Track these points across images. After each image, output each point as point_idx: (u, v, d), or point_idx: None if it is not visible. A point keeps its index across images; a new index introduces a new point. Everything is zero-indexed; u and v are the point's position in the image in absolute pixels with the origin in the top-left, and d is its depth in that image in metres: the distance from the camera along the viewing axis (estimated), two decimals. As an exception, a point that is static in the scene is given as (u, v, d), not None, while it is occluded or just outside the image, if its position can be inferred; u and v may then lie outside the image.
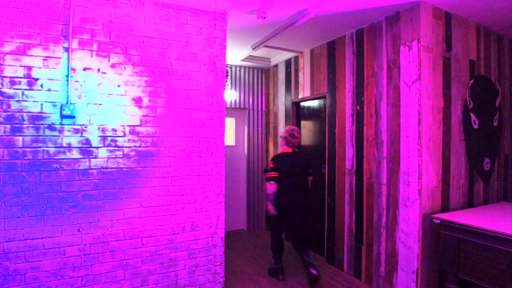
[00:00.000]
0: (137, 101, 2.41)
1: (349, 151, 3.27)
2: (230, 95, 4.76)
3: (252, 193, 4.89)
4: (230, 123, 4.83)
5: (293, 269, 3.43)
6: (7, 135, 2.02)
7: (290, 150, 3.23)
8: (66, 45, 2.17)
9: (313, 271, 2.93)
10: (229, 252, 3.87)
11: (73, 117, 2.20)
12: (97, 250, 2.27)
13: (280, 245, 3.27)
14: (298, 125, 4.33)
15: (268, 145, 4.96)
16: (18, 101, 2.05)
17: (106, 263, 2.29)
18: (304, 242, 3.16)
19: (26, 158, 2.07)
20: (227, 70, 4.68)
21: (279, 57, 4.47)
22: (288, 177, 3.09)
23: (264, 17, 2.84)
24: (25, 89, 2.07)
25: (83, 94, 2.23)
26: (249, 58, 4.40)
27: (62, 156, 2.17)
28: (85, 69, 2.24)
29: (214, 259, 2.68)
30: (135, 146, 2.40)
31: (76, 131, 2.21)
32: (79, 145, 2.22)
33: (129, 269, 2.37)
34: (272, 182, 3.07)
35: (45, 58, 2.12)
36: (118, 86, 2.34)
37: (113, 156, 2.32)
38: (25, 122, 2.07)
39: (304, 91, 4.04)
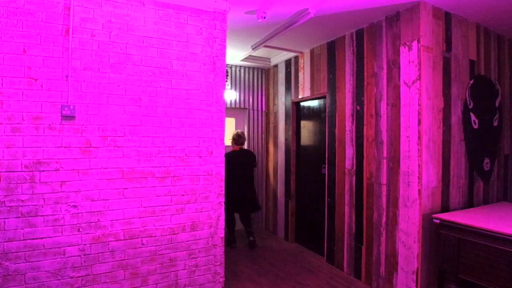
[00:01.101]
0: (137, 101, 2.41)
1: (349, 151, 3.27)
2: (230, 95, 4.76)
3: (252, 193, 4.88)
4: (230, 123, 4.83)
5: (291, 263, 3.45)
6: (7, 135, 2.02)
7: (237, 148, 4.13)
8: (66, 45, 2.17)
9: (251, 238, 4.05)
10: (229, 252, 3.87)
11: (73, 117, 2.20)
12: (97, 250, 2.27)
13: (232, 220, 4.19)
14: (298, 125, 4.33)
15: (268, 145, 4.96)
16: (18, 101, 2.05)
17: (106, 263, 2.29)
18: (246, 216, 4.16)
19: (26, 158, 2.07)
20: (227, 70, 4.69)
21: (279, 57, 4.47)
22: (238, 169, 3.99)
23: (264, 17, 2.84)
24: (25, 89, 2.07)
25: (83, 94, 2.24)
26: (249, 58, 4.40)
27: (62, 156, 2.17)
28: (85, 69, 2.24)
29: (214, 259, 2.68)
30: (135, 146, 2.40)
31: (76, 131, 2.21)
32: (79, 145, 2.22)
33: (129, 269, 2.37)
34: None
35: (45, 58, 2.12)
36: (118, 86, 2.34)
37: (113, 156, 2.33)
38: (25, 122, 2.07)
39: (304, 91, 4.04)
